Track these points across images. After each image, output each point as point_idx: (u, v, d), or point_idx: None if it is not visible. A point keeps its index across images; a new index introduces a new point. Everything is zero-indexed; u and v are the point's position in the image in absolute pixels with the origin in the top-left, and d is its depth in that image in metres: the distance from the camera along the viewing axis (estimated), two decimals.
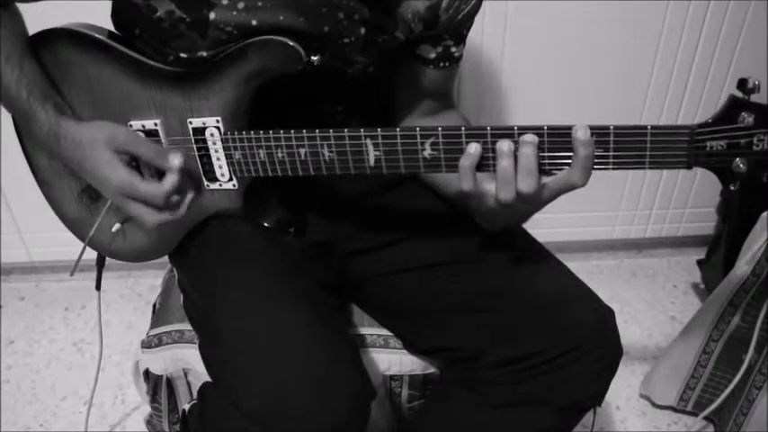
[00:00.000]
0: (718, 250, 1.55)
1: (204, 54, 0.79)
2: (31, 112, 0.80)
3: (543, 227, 1.04)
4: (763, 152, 0.66)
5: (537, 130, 0.70)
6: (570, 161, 0.70)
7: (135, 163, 0.82)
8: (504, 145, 0.70)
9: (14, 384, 1.51)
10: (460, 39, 0.88)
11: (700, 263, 1.69)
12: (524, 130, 0.70)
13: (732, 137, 0.66)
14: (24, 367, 1.56)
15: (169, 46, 0.80)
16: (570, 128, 0.69)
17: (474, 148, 0.71)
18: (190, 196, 0.83)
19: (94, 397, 1.29)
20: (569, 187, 0.71)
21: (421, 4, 0.82)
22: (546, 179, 0.72)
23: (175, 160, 0.79)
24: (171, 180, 0.79)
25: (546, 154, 0.71)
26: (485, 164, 0.72)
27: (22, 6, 0.86)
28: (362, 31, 0.81)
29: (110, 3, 0.86)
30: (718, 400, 1.30)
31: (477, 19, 0.88)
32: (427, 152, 0.74)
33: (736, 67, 1.52)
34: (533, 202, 0.73)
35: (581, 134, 0.68)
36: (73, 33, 0.82)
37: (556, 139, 0.70)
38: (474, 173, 0.72)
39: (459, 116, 0.97)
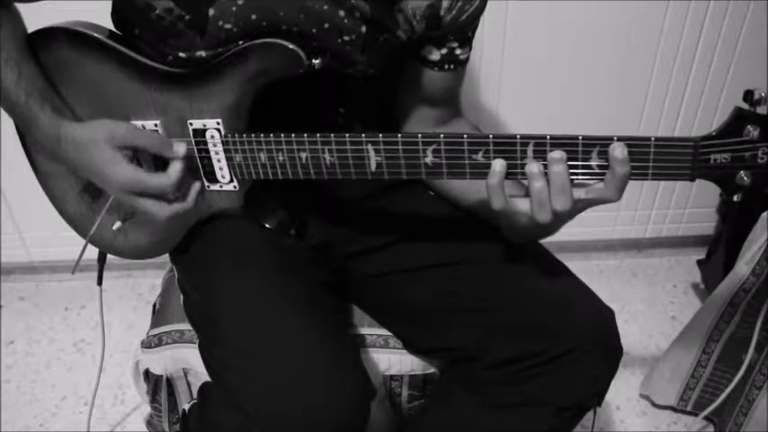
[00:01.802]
0: (718, 250, 1.55)
1: (203, 54, 0.79)
2: (31, 114, 0.80)
3: None
4: (767, 165, 0.65)
5: (540, 138, 0.69)
6: (588, 169, 0.69)
7: (137, 159, 0.82)
8: (534, 167, 0.69)
9: (14, 384, 1.51)
10: (465, 40, 0.88)
11: (700, 263, 1.69)
12: (527, 138, 0.69)
13: (737, 150, 0.66)
14: (24, 367, 1.56)
15: (167, 45, 0.80)
16: (575, 137, 0.69)
17: (499, 166, 0.70)
18: (197, 185, 0.83)
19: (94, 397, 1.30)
20: (602, 202, 0.71)
21: (423, 2, 0.82)
22: (578, 193, 0.70)
23: (180, 148, 0.79)
24: (177, 168, 0.79)
25: (569, 163, 0.69)
26: (511, 173, 0.71)
27: (21, 6, 0.86)
28: (363, 29, 0.80)
29: (109, 2, 0.86)
30: (719, 400, 1.31)
31: None
32: (429, 159, 0.73)
33: (736, 67, 1.52)
34: (566, 217, 0.72)
35: (618, 153, 0.67)
36: (72, 32, 0.82)
37: (568, 149, 0.69)
38: (503, 190, 0.71)
39: (470, 125, 0.96)
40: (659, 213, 1.75)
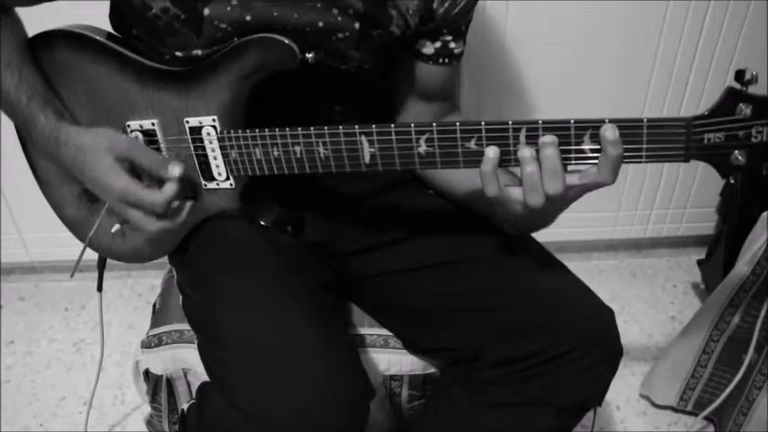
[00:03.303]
0: (718, 250, 1.55)
1: (199, 53, 0.80)
2: (32, 117, 0.81)
3: None
4: (761, 144, 0.65)
5: (532, 123, 0.69)
6: (581, 153, 0.69)
7: (135, 170, 0.82)
8: (526, 152, 0.69)
9: (14, 384, 1.51)
10: (459, 34, 0.88)
11: (700, 263, 1.69)
12: (519, 124, 0.69)
13: (730, 129, 0.65)
14: (24, 367, 1.56)
15: (164, 44, 0.80)
16: (567, 121, 0.68)
17: (492, 152, 0.70)
18: (189, 204, 0.83)
19: (95, 397, 1.29)
20: (597, 186, 0.70)
21: None
22: (572, 179, 0.70)
23: (176, 170, 0.79)
24: (171, 188, 0.79)
25: (562, 148, 0.69)
26: (504, 159, 0.71)
27: (20, 9, 0.87)
28: (357, 26, 0.81)
29: (108, 4, 0.86)
30: (719, 400, 1.30)
31: (478, 16, 0.88)
32: (422, 148, 0.73)
33: (736, 67, 1.51)
34: (561, 203, 0.72)
35: (609, 134, 0.67)
36: (70, 35, 0.83)
37: (560, 133, 0.69)
38: (497, 177, 0.71)
39: (465, 119, 0.96)
40: (659, 213, 1.75)
